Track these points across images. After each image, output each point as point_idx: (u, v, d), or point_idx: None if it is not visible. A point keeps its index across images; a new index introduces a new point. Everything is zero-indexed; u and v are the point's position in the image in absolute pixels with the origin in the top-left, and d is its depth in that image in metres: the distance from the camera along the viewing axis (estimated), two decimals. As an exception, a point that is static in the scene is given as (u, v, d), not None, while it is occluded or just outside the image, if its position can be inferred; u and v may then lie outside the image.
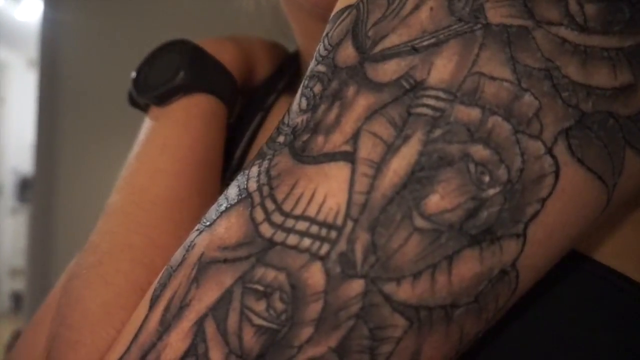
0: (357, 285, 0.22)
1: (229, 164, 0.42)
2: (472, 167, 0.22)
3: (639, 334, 0.27)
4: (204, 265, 0.24)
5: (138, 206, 0.33)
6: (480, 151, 0.22)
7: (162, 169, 0.35)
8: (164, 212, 0.33)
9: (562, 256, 0.24)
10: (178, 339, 0.24)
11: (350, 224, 0.22)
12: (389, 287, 0.22)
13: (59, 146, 1.03)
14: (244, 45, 0.44)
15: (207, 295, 0.24)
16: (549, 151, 0.22)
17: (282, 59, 0.47)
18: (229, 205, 0.26)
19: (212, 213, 0.26)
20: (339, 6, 0.27)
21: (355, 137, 0.23)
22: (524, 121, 0.22)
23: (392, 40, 0.24)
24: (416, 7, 0.24)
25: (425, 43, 0.23)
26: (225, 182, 0.39)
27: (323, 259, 0.22)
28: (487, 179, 0.22)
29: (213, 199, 0.35)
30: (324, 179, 0.23)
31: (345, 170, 0.23)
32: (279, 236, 0.23)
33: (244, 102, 0.44)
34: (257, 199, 0.25)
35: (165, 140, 0.36)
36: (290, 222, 0.23)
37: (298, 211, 0.23)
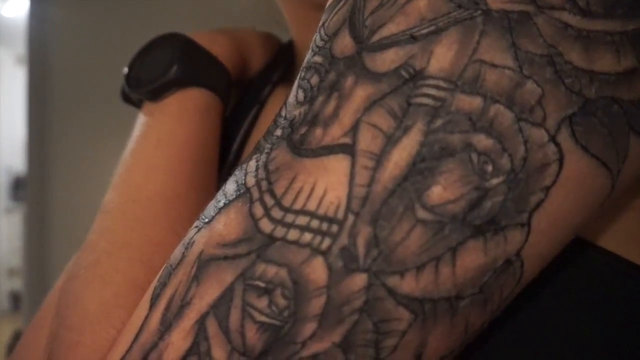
0: (360, 280, 0.22)
1: (225, 159, 0.41)
2: (474, 157, 0.21)
3: None
4: (204, 263, 0.24)
5: (135, 203, 0.33)
6: (482, 140, 0.21)
7: (157, 165, 0.34)
8: (160, 209, 0.33)
9: (566, 243, 0.24)
10: (180, 338, 0.23)
11: (351, 218, 0.22)
12: (393, 281, 0.21)
13: (51, 143, 1.03)
14: (236, 37, 0.43)
15: (208, 293, 0.23)
16: (553, 139, 0.21)
17: (276, 50, 0.46)
18: (227, 202, 0.25)
19: (210, 209, 0.26)
20: None
21: (354, 129, 0.23)
22: (527, 109, 0.21)
23: (390, 29, 0.23)
24: None
25: (424, 31, 0.23)
26: (222, 177, 0.39)
27: (325, 253, 0.22)
28: (490, 168, 0.21)
29: (210, 194, 0.35)
30: (324, 172, 0.23)
31: (345, 163, 0.23)
32: (279, 231, 0.23)
33: (239, 95, 0.44)
34: (255, 194, 0.25)
35: (159, 136, 0.35)
36: (290, 217, 0.23)
37: (298, 206, 0.23)
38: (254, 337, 0.22)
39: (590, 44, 0.22)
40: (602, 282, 0.27)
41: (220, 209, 0.25)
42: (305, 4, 0.39)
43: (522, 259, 0.22)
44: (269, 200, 0.24)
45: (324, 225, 0.22)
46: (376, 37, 0.24)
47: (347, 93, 0.24)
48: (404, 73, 0.23)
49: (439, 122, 0.22)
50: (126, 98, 0.40)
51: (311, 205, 0.23)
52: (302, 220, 0.23)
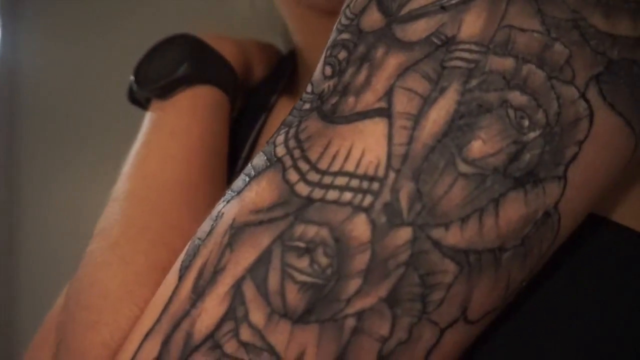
0: (404, 233, 0.22)
1: (234, 166, 0.41)
2: (511, 112, 0.22)
3: None
4: (237, 230, 0.24)
5: (152, 190, 0.32)
6: (517, 97, 0.22)
7: (173, 155, 0.34)
8: (179, 196, 0.32)
9: (596, 204, 0.25)
10: (214, 304, 0.23)
11: (392, 175, 0.22)
12: (438, 233, 0.22)
13: (20, 168, 0.99)
14: (241, 44, 0.44)
15: (243, 258, 0.23)
16: (583, 96, 0.22)
17: (278, 60, 0.47)
18: (257, 173, 0.25)
19: (239, 182, 0.26)
20: None
21: (388, 94, 0.23)
22: (557, 68, 0.22)
23: (419, 1, 0.25)
24: None
25: (453, 1, 0.24)
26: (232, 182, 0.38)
27: (367, 210, 0.22)
28: (526, 123, 0.22)
29: (224, 187, 0.34)
30: (360, 135, 0.23)
31: (382, 126, 0.23)
32: (317, 193, 0.23)
33: (243, 103, 0.44)
34: (288, 162, 0.25)
35: (173, 127, 0.35)
36: (327, 179, 0.23)
37: (335, 168, 0.23)
38: (295, 297, 0.22)
39: (610, 10, 0.23)
40: (618, 256, 0.28)
41: (251, 179, 0.25)
42: (314, 11, 0.40)
43: (559, 213, 0.23)
44: (304, 166, 0.24)
45: (365, 184, 0.22)
46: (406, 10, 0.25)
47: (379, 62, 0.24)
48: (435, 40, 0.24)
49: (474, 82, 0.22)
50: (133, 99, 0.40)
51: (349, 167, 0.23)
52: (340, 180, 0.23)
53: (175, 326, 0.23)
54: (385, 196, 0.22)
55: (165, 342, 0.23)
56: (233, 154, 0.41)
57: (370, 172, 0.22)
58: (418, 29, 0.24)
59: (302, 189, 0.23)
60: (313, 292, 0.22)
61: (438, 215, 0.22)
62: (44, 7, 0.98)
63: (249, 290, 0.22)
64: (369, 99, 0.24)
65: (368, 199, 0.22)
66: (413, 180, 0.22)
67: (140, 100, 0.40)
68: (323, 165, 0.23)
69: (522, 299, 0.26)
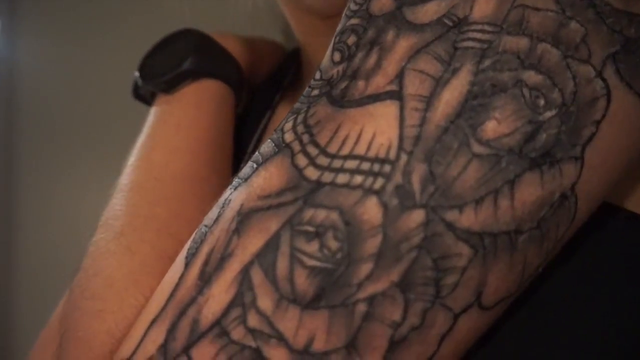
0: (417, 216, 0.21)
1: (239, 163, 0.40)
2: (526, 92, 0.22)
3: None
4: (245, 216, 0.23)
5: (158, 181, 0.31)
6: (532, 76, 0.22)
7: (178, 147, 0.33)
8: (186, 187, 0.32)
9: (613, 186, 0.24)
10: (221, 291, 0.22)
11: (404, 157, 0.22)
12: (451, 215, 0.21)
13: (19, 169, 0.99)
14: (246, 41, 0.43)
15: (251, 244, 0.22)
16: (599, 74, 0.22)
17: (283, 57, 0.47)
18: (265, 159, 0.25)
19: (246, 169, 0.25)
20: None
21: (399, 77, 0.23)
22: (572, 47, 0.22)
23: None
24: None
25: None
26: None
27: (378, 192, 0.21)
28: (542, 102, 0.21)
29: (229, 180, 0.34)
30: (370, 118, 0.23)
31: (393, 108, 0.22)
32: (327, 177, 0.22)
33: (248, 100, 0.43)
34: (297, 147, 0.24)
35: (179, 120, 0.35)
36: (337, 163, 0.23)
37: (345, 151, 0.23)
38: (304, 282, 0.21)
39: None
40: (632, 244, 0.27)
41: (258, 166, 0.25)
42: (310, 13, 0.40)
43: (576, 195, 0.22)
44: (313, 150, 0.23)
45: (376, 166, 0.22)
46: None
47: (389, 45, 0.24)
48: (447, 21, 0.23)
49: (487, 62, 0.22)
50: (137, 95, 0.40)
51: (360, 150, 0.22)
52: (350, 164, 0.22)
53: (182, 313, 0.22)
54: (397, 178, 0.21)
55: (171, 329, 0.22)
56: (238, 152, 0.41)
57: (382, 154, 0.22)
58: (429, 11, 0.24)
59: (311, 173, 0.23)
60: (323, 276, 0.21)
61: (452, 197, 0.21)
62: (43, 7, 0.98)
63: (256, 275, 0.22)
64: (380, 82, 0.23)
65: (379, 182, 0.21)
66: (425, 162, 0.21)
67: (144, 95, 0.39)
68: (333, 149, 0.23)
69: (536, 287, 0.26)
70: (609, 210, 0.27)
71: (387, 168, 0.22)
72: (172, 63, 0.37)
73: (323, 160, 0.23)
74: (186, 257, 0.24)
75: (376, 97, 0.23)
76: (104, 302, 0.26)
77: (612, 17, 0.22)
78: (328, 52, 0.26)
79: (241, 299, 0.21)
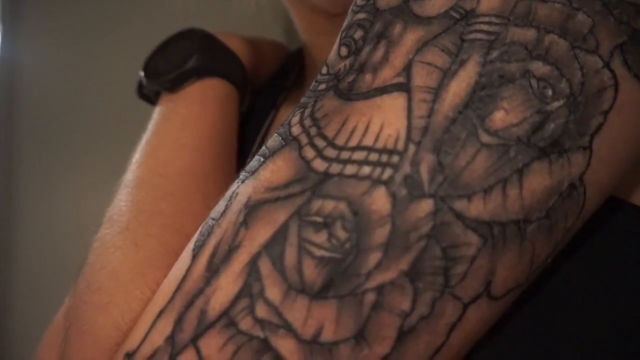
0: (426, 205, 0.21)
1: (243, 164, 0.41)
2: (534, 82, 0.22)
3: None
4: (253, 208, 0.23)
5: (163, 177, 0.32)
6: (540, 67, 0.22)
7: (184, 144, 0.33)
8: (191, 183, 0.32)
9: (621, 177, 0.24)
10: (229, 282, 0.22)
11: (412, 147, 0.22)
12: (460, 204, 0.21)
13: (19, 172, 0.99)
14: (249, 41, 0.44)
15: (259, 235, 0.22)
16: (607, 65, 0.22)
17: (286, 57, 0.47)
18: (272, 152, 0.25)
19: (253, 163, 0.25)
20: None
21: (407, 69, 0.23)
22: (580, 38, 0.22)
23: None
24: None
25: None
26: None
27: (386, 183, 0.21)
28: (550, 92, 0.21)
29: (234, 177, 0.34)
30: (378, 110, 0.23)
31: (401, 100, 0.23)
32: (335, 168, 0.22)
33: (252, 100, 0.44)
34: (304, 140, 0.24)
35: (184, 118, 0.35)
36: (345, 154, 0.23)
37: (353, 143, 0.23)
38: (312, 272, 0.21)
39: None
40: (638, 238, 0.27)
41: (265, 159, 0.25)
42: (316, 12, 0.40)
43: (584, 185, 0.22)
44: (320, 143, 0.23)
45: (384, 157, 0.22)
46: None
47: (397, 39, 0.24)
48: (454, 14, 0.23)
49: (495, 53, 0.22)
50: (141, 94, 0.40)
51: (367, 141, 0.22)
52: (359, 155, 0.22)
53: (189, 304, 0.22)
54: (406, 169, 0.21)
55: (179, 321, 0.22)
56: (242, 151, 0.41)
57: (390, 145, 0.22)
58: (436, 4, 0.24)
59: (319, 164, 0.23)
60: (331, 266, 0.21)
61: (460, 186, 0.21)
62: (45, 10, 0.98)
63: (264, 266, 0.22)
64: (387, 74, 0.23)
65: (387, 172, 0.21)
66: (434, 153, 0.21)
67: (149, 95, 0.39)
68: (340, 141, 0.23)
69: (542, 280, 0.26)
70: (615, 204, 0.27)
71: (395, 159, 0.22)
72: (177, 62, 0.37)
73: (331, 152, 0.23)
74: (193, 250, 0.24)
75: (383, 90, 0.23)
76: (110, 295, 0.26)
77: (619, 8, 0.22)
78: (335, 47, 0.27)
79: (249, 289, 0.21)
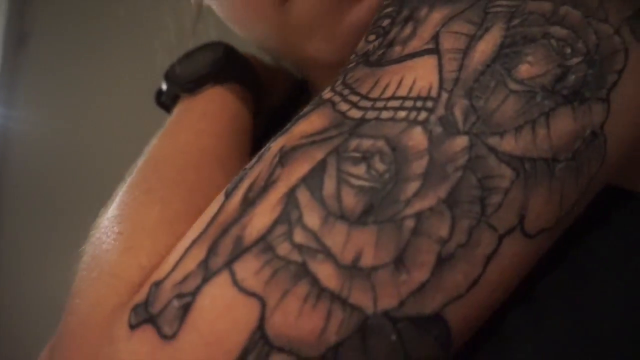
0: (461, 141, 0.22)
1: None
2: (553, 42, 0.24)
3: None
4: (288, 151, 0.24)
5: (185, 153, 0.32)
6: (558, 30, 0.24)
7: (204, 129, 0.34)
8: (213, 160, 0.32)
9: (637, 138, 0.25)
10: (266, 210, 0.22)
11: (445, 94, 0.23)
12: (493, 140, 0.22)
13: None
14: (264, 62, 0.46)
15: (296, 171, 0.23)
16: (617, 32, 0.24)
17: (293, 84, 0.49)
18: (304, 114, 0.26)
19: (285, 126, 0.26)
20: None
21: (435, 38, 0.25)
22: (591, 9, 0.25)
23: None
24: None
25: None
26: None
27: (422, 123, 0.22)
28: (569, 50, 0.24)
29: None
30: (410, 70, 0.24)
31: (431, 60, 0.24)
32: (371, 114, 0.23)
33: (263, 124, 0.45)
34: (337, 99, 0.25)
35: (204, 110, 0.36)
36: (380, 103, 0.24)
37: (387, 95, 0.24)
38: (352, 200, 0.21)
39: None
40: None
41: (298, 118, 0.26)
42: (315, 64, 0.38)
43: (605, 135, 0.23)
44: (354, 98, 0.25)
45: (419, 103, 0.23)
46: None
47: (423, 18, 0.26)
48: None
49: (516, 21, 0.24)
50: (159, 101, 0.41)
51: (401, 92, 0.24)
52: (393, 103, 0.24)
53: (224, 232, 0.22)
54: (440, 111, 0.23)
55: (213, 246, 0.22)
56: None
57: (424, 93, 0.23)
58: None
59: (355, 113, 0.24)
60: (371, 194, 0.21)
61: (493, 125, 0.22)
62: (38, 70, 1.01)
63: (303, 196, 0.22)
64: (416, 44, 0.25)
65: (423, 114, 0.23)
66: (466, 98, 0.23)
67: (166, 103, 0.40)
68: (375, 94, 0.24)
69: (550, 268, 0.26)
70: (623, 195, 0.28)
71: (429, 103, 0.23)
72: (199, 67, 0.39)
73: (366, 103, 0.24)
74: (226, 192, 0.24)
75: (414, 55, 0.25)
76: (134, 240, 0.25)
77: None
78: (362, 39, 0.29)
79: (287, 216, 0.21)
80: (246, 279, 0.21)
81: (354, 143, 0.23)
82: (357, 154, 0.22)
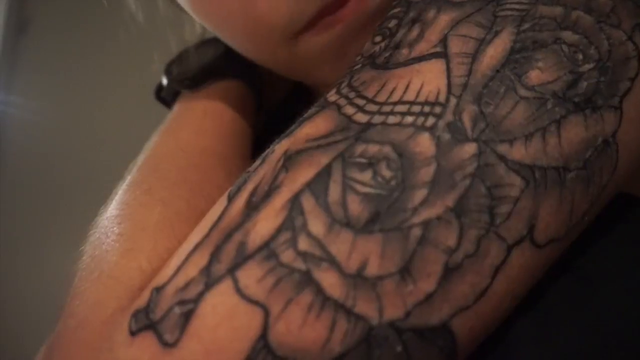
0: (469, 148, 0.22)
1: None
2: (565, 47, 0.23)
3: None
4: (292, 155, 0.23)
5: (186, 152, 0.31)
6: (570, 36, 0.23)
7: (206, 128, 0.33)
8: (214, 160, 0.31)
9: None
10: (270, 216, 0.21)
11: (454, 100, 0.23)
12: (503, 148, 0.22)
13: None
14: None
15: (301, 175, 0.22)
16: (630, 38, 0.24)
17: (293, 84, 0.48)
18: (309, 116, 0.25)
19: (290, 128, 0.25)
20: None
21: (443, 41, 0.25)
22: (604, 15, 0.24)
23: None
24: None
25: None
26: None
27: (430, 129, 0.22)
28: (580, 56, 0.23)
29: None
30: (417, 73, 0.24)
31: (439, 64, 0.24)
32: (377, 119, 0.23)
33: (263, 121, 0.44)
34: (343, 102, 0.25)
35: (205, 108, 0.35)
36: (387, 108, 0.23)
37: (394, 99, 0.23)
38: (357, 207, 0.21)
39: None
40: None
41: (303, 121, 0.25)
42: (316, 84, 0.38)
43: (617, 143, 0.23)
44: (360, 101, 0.24)
45: (426, 108, 0.23)
46: None
47: (431, 20, 0.26)
48: None
49: (527, 25, 0.24)
50: (159, 97, 0.40)
51: (409, 97, 0.23)
52: (401, 108, 0.23)
53: (227, 237, 0.21)
54: (448, 117, 0.22)
55: (216, 252, 0.21)
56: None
57: (431, 99, 0.23)
58: None
59: (361, 117, 0.23)
60: (377, 202, 0.21)
61: (502, 132, 0.22)
62: (36, 72, 1.00)
63: (307, 202, 0.21)
64: (423, 47, 0.25)
65: (430, 120, 0.22)
66: (475, 104, 0.22)
67: (166, 98, 0.40)
68: (381, 98, 0.24)
69: (558, 275, 0.26)
70: (632, 201, 0.28)
71: (437, 109, 0.22)
72: (200, 62, 0.38)
73: (372, 107, 0.24)
74: (229, 195, 0.24)
75: (421, 58, 0.24)
76: (135, 242, 0.25)
77: None
78: (369, 41, 0.28)
79: (291, 222, 0.21)
80: (249, 286, 0.20)
81: (360, 148, 0.22)
82: (363, 160, 0.22)
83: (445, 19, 0.25)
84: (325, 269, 0.20)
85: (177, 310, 0.21)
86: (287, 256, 0.21)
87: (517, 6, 0.25)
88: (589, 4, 0.24)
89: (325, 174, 0.22)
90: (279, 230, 0.21)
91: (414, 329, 0.20)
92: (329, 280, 0.20)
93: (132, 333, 0.21)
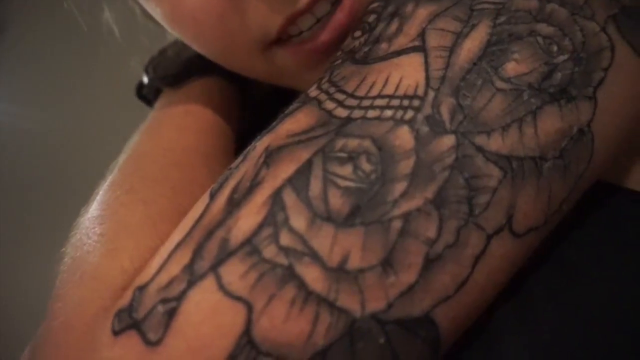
0: (448, 140, 0.22)
1: None
2: (540, 40, 0.24)
3: None
4: (274, 151, 0.23)
5: (168, 150, 0.31)
6: (544, 28, 0.24)
7: (188, 126, 0.33)
8: (197, 158, 0.31)
9: (623, 134, 0.25)
10: (252, 212, 0.22)
11: (432, 93, 0.23)
12: (480, 139, 0.22)
13: None
14: None
15: (282, 171, 0.22)
16: (603, 30, 0.24)
17: None
18: (290, 112, 0.25)
19: (271, 125, 0.26)
20: None
21: (421, 35, 0.25)
22: (577, 7, 0.24)
23: None
24: None
25: None
26: None
27: (409, 122, 0.22)
28: (555, 48, 0.23)
29: None
30: (396, 67, 0.24)
31: (417, 58, 0.24)
32: (357, 113, 0.23)
33: (247, 116, 0.44)
34: (323, 97, 0.25)
35: (187, 106, 0.35)
36: (366, 102, 0.23)
37: (373, 93, 0.24)
38: (338, 201, 0.21)
39: None
40: (634, 222, 0.29)
41: (285, 117, 0.25)
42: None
43: (592, 133, 0.23)
44: (340, 96, 0.24)
45: (405, 102, 0.23)
46: None
47: (409, 14, 0.26)
48: None
49: (503, 18, 0.24)
50: (140, 95, 0.40)
51: (388, 91, 0.23)
52: (380, 102, 0.23)
53: (209, 235, 0.21)
54: (427, 110, 0.22)
55: (198, 249, 0.21)
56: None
57: (410, 92, 0.23)
58: None
59: (341, 112, 0.24)
60: (357, 195, 0.21)
61: (480, 124, 0.22)
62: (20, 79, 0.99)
63: (288, 197, 0.22)
64: (402, 41, 0.25)
65: (409, 114, 0.22)
66: (453, 96, 0.23)
67: (147, 96, 0.40)
68: (361, 92, 0.24)
69: (539, 265, 0.26)
70: (610, 189, 0.29)
71: (416, 102, 0.23)
72: (181, 59, 0.38)
73: (352, 102, 0.24)
74: (211, 192, 0.24)
75: (400, 52, 0.25)
76: (116, 242, 0.25)
77: None
78: (349, 36, 0.28)
79: (273, 218, 0.21)
80: (232, 283, 0.20)
81: (340, 143, 0.22)
82: (343, 154, 0.22)
83: (423, 12, 0.25)
84: (308, 264, 0.20)
85: (161, 308, 0.21)
86: (269, 251, 0.21)
87: None
88: None
89: (306, 169, 0.22)
90: (261, 226, 0.21)
91: (396, 321, 0.20)
92: (312, 275, 0.20)
93: (116, 333, 0.21)
